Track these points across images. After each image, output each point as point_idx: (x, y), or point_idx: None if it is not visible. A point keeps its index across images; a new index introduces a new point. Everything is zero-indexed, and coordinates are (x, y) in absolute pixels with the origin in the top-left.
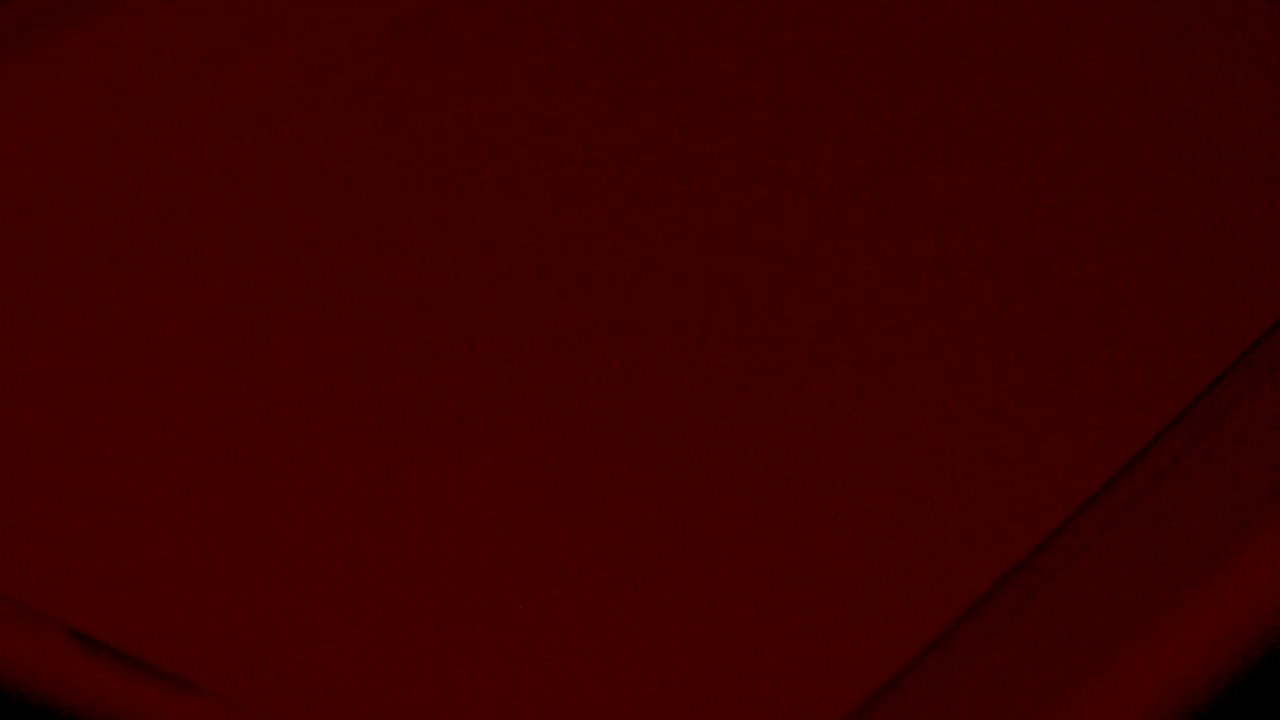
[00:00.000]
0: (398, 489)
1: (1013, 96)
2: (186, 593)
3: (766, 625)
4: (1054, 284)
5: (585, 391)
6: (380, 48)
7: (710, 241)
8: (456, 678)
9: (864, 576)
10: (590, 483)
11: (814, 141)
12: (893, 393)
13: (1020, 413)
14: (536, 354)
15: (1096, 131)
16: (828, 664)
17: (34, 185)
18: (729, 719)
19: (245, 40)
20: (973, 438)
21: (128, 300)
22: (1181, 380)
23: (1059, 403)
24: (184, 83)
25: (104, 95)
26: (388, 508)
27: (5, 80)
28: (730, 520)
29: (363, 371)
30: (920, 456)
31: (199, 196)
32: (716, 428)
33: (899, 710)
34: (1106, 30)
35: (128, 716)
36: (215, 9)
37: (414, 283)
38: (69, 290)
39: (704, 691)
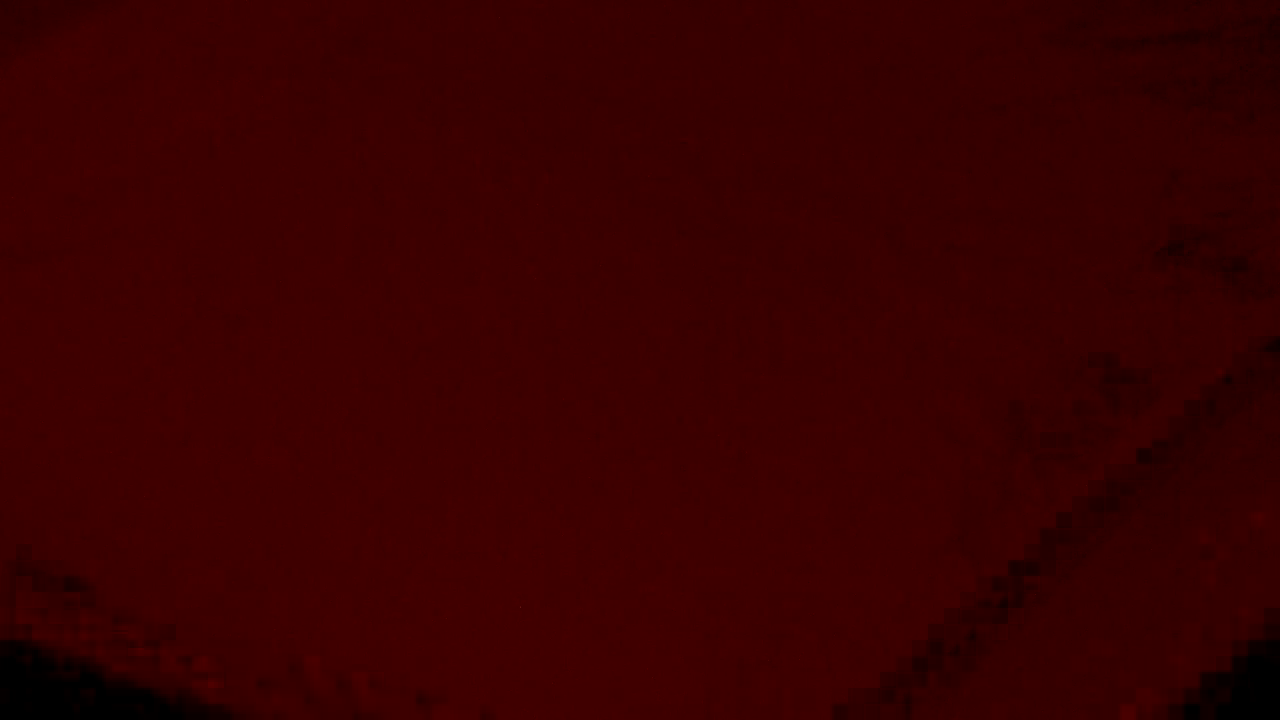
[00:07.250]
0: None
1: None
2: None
3: (767, 613)
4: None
5: (569, 396)
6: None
7: (692, 239)
8: (450, 664)
9: (864, 568)
10: (585, 488)
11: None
12: (881, 393)
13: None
14: (530, 353)
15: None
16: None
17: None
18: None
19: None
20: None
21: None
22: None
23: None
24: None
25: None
26: (389, 508)
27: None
28: (719, 526)
29: (347, 384)
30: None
31: (186, 195)
32: (702, 430)
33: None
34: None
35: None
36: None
37: (403, 283)
38: (66, 289)
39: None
